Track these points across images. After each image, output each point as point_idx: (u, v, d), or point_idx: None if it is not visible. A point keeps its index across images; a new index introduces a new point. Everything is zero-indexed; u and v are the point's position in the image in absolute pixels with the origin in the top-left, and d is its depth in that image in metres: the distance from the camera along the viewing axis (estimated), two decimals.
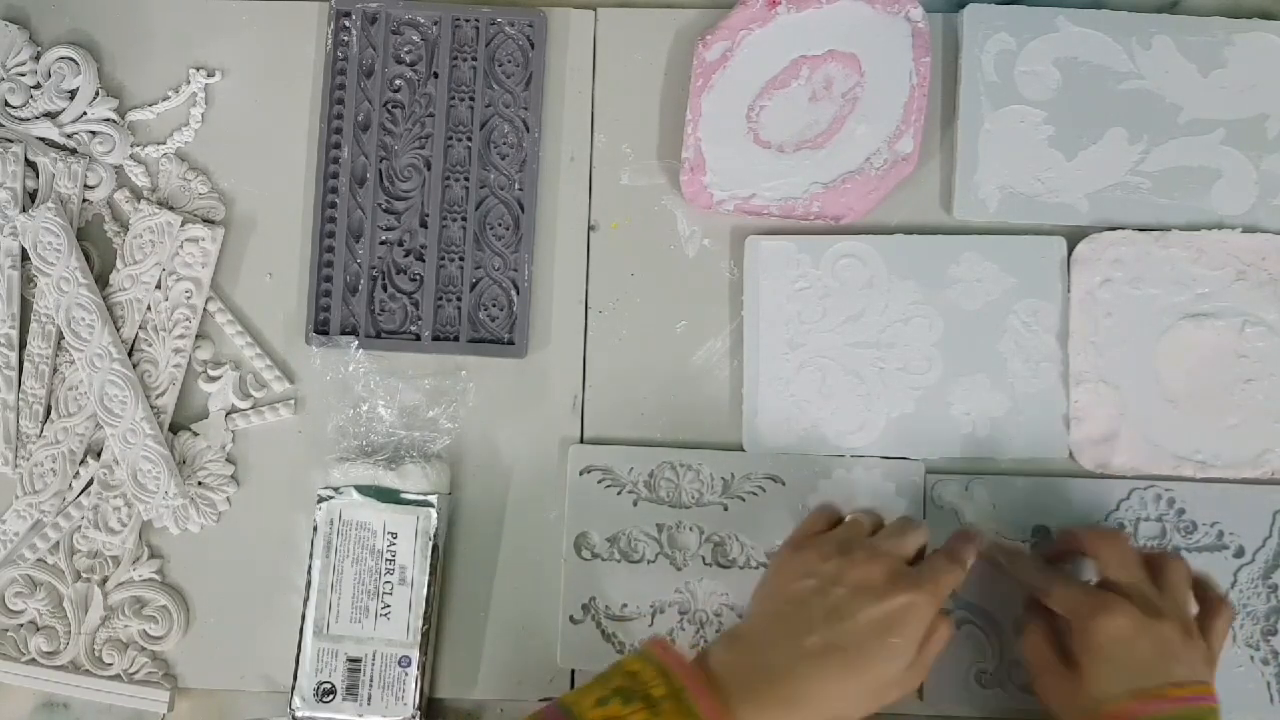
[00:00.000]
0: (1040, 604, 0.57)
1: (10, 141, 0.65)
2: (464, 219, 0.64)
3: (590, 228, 0.65)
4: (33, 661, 0.62)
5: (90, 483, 0.63)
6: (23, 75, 0.65)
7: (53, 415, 0.63)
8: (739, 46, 0.63)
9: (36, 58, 0.66)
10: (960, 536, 0.56)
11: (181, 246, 0.64)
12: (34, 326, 0.64)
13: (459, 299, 0.64)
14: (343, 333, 0.64)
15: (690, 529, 0.62)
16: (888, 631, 0.50)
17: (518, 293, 0.64)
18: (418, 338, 0.64)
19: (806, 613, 0.51)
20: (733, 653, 0.51)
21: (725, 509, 0.62)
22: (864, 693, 0.50)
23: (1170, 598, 0.54)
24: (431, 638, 0.61)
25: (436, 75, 0.65)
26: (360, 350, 0.63)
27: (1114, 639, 0.52)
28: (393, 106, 0.65)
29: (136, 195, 0.66)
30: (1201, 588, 0.56)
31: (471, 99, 0.65)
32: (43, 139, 0.65)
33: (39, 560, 0.63)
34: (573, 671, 0.62)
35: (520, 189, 0.64)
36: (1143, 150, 0.63)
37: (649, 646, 0.51)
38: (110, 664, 0.62)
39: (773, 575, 0.55)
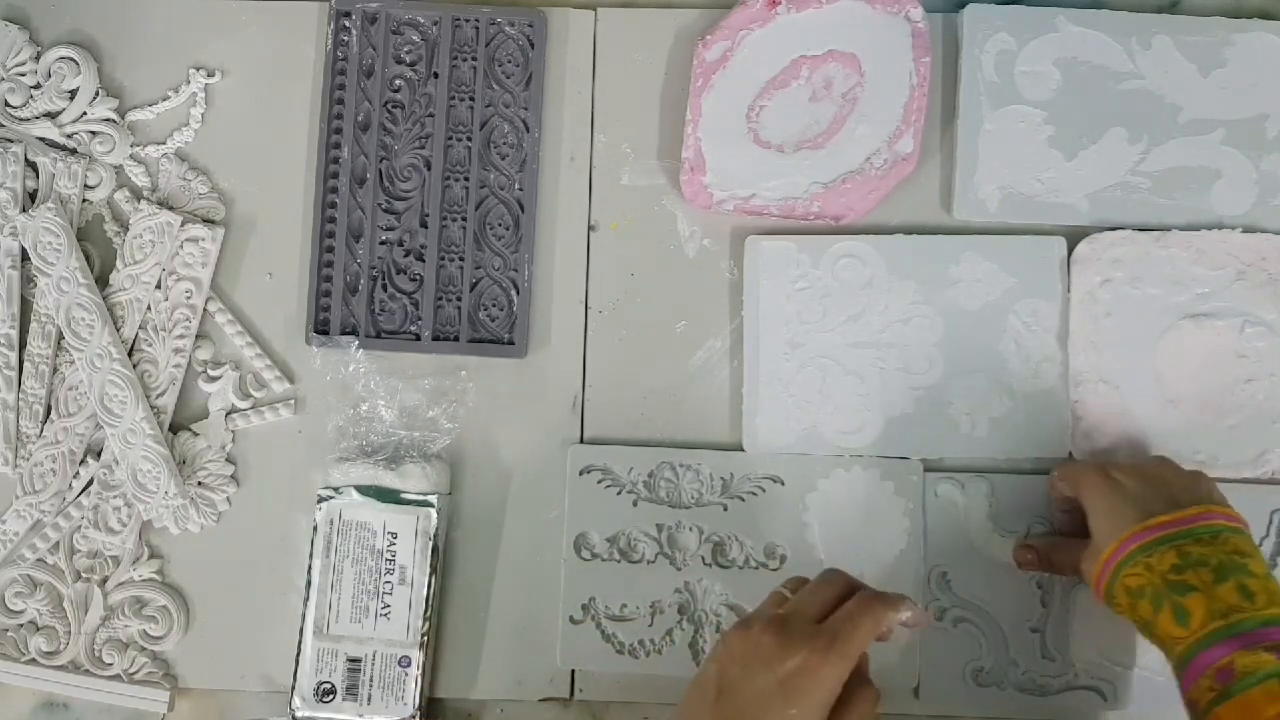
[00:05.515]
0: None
1: (10, 141, 0.65)
2: (464, 219, 0.64)
3: (590, 228, 0.65)
4: (33, 661, 0.62)
5: (90, 483, 0.63)
6: (23, 75, 0.65)
7: (53, 415, 0.63)
8: (739, 46, 0.63)
9: (36, 58, 0.66)
10: (887, 597, 0.49)
11: (181, 246, 0.64)
12: (34, 326, 0.64)
13: (459, 299, 0.64)
14: (343, 333, 0.64)
15: (690, 529, 0.62)
16: (785, 702, 0.45)
17: (518, 293, 0.64)
18: (418, 338, 0.64)
19: (702, 700, 0.47)
20: None
21: (725, 509, 0.62)
22: None
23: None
24: (431, 638, 0.61)
25: (436, 75, 0.65)
26: (360, 350, 0.63)
27: (1100, 490, 0.55)
28: (393, 106, 0.65)
29: (136, 195, 0.66)
30: None
31: (471, 99, 0.65)
32: (43, 139, 0.65)
33: (39, 560, 0.63)
34: (572, 672, 0.62)
35: (520, 189, 0.64)
36: (1143, 150, 0.63)
37: None
38: (110, 664, 0.62)
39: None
